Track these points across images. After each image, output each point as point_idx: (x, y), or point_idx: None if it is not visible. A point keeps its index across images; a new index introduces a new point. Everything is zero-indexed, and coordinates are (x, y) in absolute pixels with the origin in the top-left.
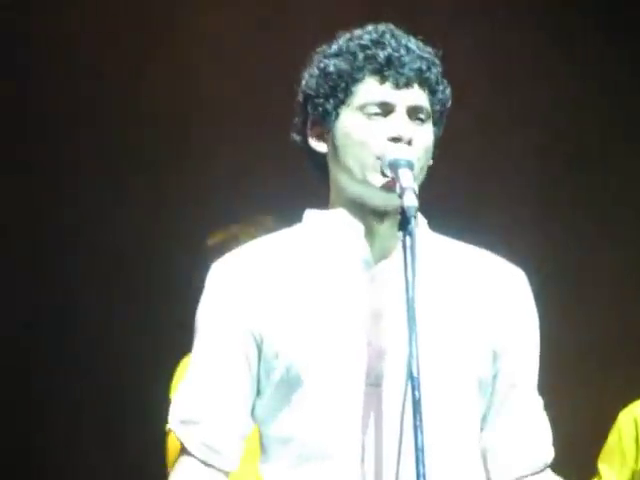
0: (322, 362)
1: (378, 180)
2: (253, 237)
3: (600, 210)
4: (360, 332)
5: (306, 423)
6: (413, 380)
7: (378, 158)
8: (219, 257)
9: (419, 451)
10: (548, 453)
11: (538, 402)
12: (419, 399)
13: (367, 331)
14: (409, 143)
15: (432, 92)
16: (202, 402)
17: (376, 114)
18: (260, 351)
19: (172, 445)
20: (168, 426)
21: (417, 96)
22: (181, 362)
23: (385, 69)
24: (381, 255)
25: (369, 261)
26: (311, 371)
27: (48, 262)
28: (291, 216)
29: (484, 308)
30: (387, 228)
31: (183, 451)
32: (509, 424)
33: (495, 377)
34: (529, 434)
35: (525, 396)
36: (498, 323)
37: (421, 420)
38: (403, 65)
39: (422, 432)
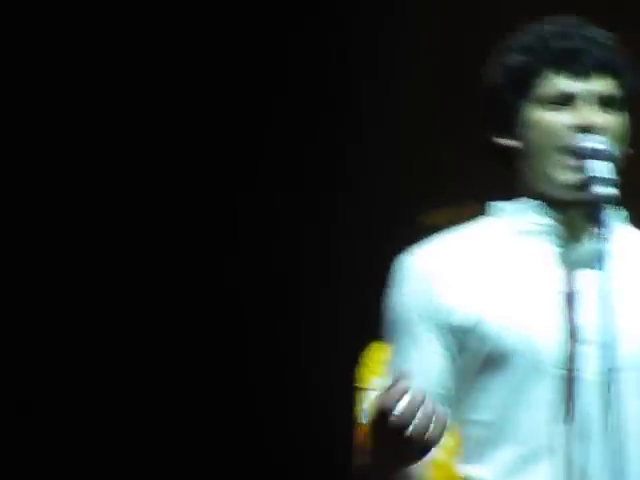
0: (521, 342)
1: (569, 178)
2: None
3: None
4: (555, 315)
5: (503, 406)
6: (611, 374)
7: (567, 151)
8: (429, 236)
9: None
10: None
11: None
12: (616, 395)
13: (561, 315)
14: (599, 132)
15: (616, 79)
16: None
17: (560, 105)
18: (460, 339)
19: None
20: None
21: (600, 85)
22: (369, 350)
23: (566, 60)
24: (572, 239)
25: (559, 246)
26: (511, 352)
27: None
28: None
29: None
30: (577, 215)
31: None
32: None
33: None
34: None
35: None
36: None
37: (618, 417)
38: (583, 55)
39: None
